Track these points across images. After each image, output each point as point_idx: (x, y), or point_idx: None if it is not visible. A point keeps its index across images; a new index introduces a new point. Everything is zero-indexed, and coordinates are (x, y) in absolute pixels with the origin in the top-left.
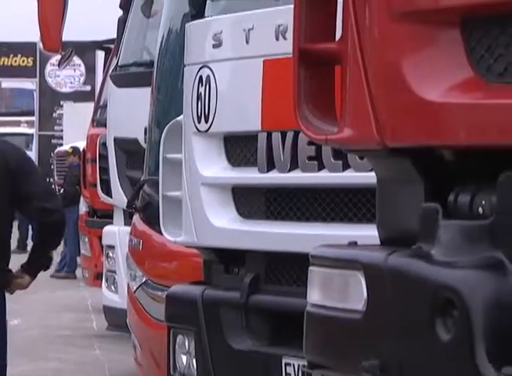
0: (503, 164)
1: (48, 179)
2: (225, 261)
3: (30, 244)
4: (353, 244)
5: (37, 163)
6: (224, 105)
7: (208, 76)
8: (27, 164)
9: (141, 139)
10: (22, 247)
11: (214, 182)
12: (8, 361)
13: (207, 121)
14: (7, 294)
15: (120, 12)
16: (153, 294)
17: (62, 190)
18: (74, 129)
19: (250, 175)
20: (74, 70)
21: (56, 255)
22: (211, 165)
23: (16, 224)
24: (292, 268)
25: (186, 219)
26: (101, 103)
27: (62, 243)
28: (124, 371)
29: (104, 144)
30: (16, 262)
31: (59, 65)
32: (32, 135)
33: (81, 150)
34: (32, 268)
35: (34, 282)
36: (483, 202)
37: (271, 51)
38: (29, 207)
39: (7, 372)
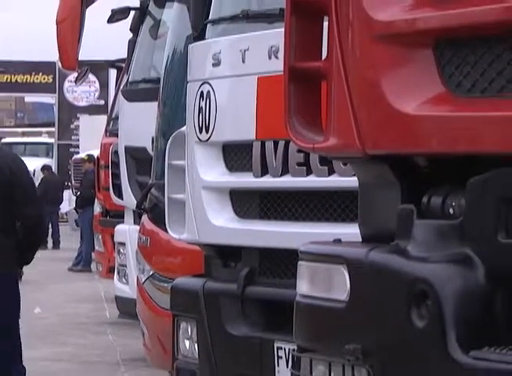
0: (471, 170)
1: (66, 183)
2: (223, 256)
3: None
4: (337, 241)
5: (56, 169)
6: (222, 117)
7: (208, 91)
8: (21, 174)
9: (149, 147)
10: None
11: (214, 186)
12: (29, 345)
13: (207, 132)
14: (30, 286)
15: (130, 35)
16: (159, 286)
17: (78, 193)
18: (89, 139)
19: (246, 180)
20: (90, 86)
21: (74, 251)
22: (211, 171)
23: None
24: (283, 262)
25: (189, 219)
26: (113, 115)
27: (79, 240)
28: (133, 354)
29: (116, 152)
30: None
31: (75, 82)
32: (52, 144)
33: (96, 157)
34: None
35: (53, 275)
36: (453, 204)
37: (264, 69)
38: (15, 210)
39: (29, 355)
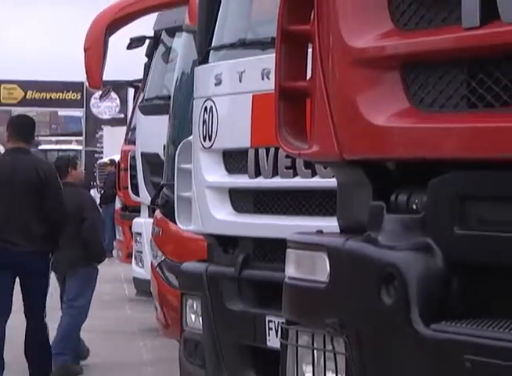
0: (431, 173)
1: (92, 183)
2: (223, 244)
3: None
4: (319, 232)
5: (84, 171)
6: (223, 128)
7: (211, 106)
8: (52, 179)
9: (161, 153)
10: None
11: (216, 186)
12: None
13: (210, 140)
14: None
15: (145, 59)
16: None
17: (102, 191)
18: (111, 146)
19: (242, 180)
20: (112, 102)
21: None
22: (213, 173)
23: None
24: (274, 249)
25: (195, 213)
26: (131, 126)
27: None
28: (148, 326)
29: (133, 157)
30: None
31: (100, 98)
32: (80, 150)
33: (117, 161)
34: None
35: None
36: (416, 201)
37: (258, 88)
38: (45, 205)
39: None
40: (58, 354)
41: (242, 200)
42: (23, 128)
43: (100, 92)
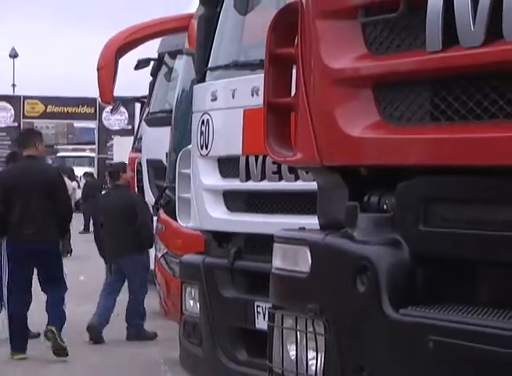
0: (400, 177)
1: (103, 185)
2: (218, 239)
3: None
4: (302, 229)
5: (96, 175)
6: (218, 138)
7: (208, 119)
8: (61, 182)
9: (164, 160)
10: (87, 229)
11: (211, 188)
12: (75, 302)
13: (207, 149)
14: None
15: (150, 78)
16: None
17: None
18: (121, 153)
19: (234, 184)
20: (121, 115)
21: None
22: (209, 177)
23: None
24: (262, 244)
25: (193, 212)
26: (138, 136)
27: None
28: (153, 309)
29: (140, 163)
30: (82, 238)
31: (111, 112)
32: (93, 157)
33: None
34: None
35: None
36: (386, 202)
37: (249, 103)
38: (56, 201)
39: (74, 309)
40: (132, 325)
41: (234, 200)
42: (31, 139)
43: (111, 107)
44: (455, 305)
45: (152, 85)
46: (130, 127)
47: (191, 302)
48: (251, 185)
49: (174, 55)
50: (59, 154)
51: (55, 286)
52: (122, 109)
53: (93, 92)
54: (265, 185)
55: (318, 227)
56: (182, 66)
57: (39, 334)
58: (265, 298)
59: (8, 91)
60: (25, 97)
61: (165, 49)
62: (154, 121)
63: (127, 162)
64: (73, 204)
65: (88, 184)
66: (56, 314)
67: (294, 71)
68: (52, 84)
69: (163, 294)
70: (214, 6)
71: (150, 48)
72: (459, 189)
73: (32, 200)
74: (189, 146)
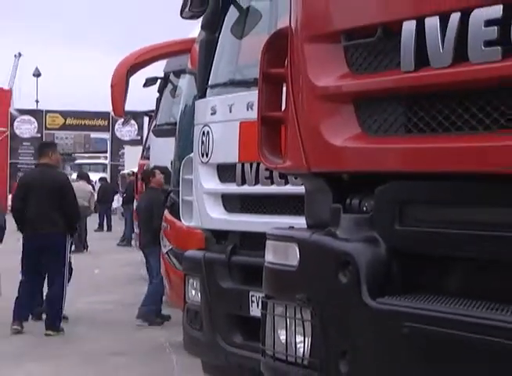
0: (378, 182)
1: (115, 190)
2: (217, 236)
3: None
4: (291, 228)
5: (109, 180)
6: (217, 148)
7: (208, 131)
8: (68, 186)
9: (169, 166)
10: (101, 228)
11: (211, 192)
12: (90, 293)
13: (207, 157)
14: (93, 255)
15: (157, 94)
16: (175, 255)
17: (124, 195)
18: (131, 161)
19: (231, 188)
20: (131, 127)
21: (121, 233)
22: (209, 182)
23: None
24: (256, 241)
25: (195, 212)
26: (146, 146)
27: (123, 226)
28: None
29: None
30: (97, 236)
31: (122, 124)
32: (107, 164)
33: (135, 172)
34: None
35: (108, 248)
36: (366, 204)
37: (244, 117)
38: (63, 202)
39: (89, 299)
40: (143, 305)
41: (231, 202)
42: (47, 150)
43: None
44: (426, 295)
45: (158, 101)
46: (139, 137)
47: (193, 292)
48: (246, 189)
49: (178, 74)
50: (76, 161)
51: (56, 280)
52: (132, 121)
53: (107, 106)
54: (259, 189)
55: (305, 226)
56: (186, 83)
57: (67, 318)
58: (259, 288)
59: (32, 106)
60: (47, 111)
61: (170, 69)
62: (161, 132)
63: (136, 168)
64: (93, 206)
65: (102, 187)
66: (50, 309)
67: (284, 89)
68: (70, 99)
69: (168, 284)
70: (214, 31)
71: (157, 68)
72: (429, 192)
73: (43, 199)
74: (192, 155)
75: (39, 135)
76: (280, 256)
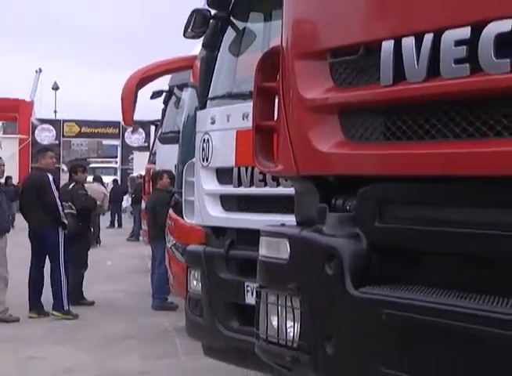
0: (360, 184)
1: (125, 191)
2: (216, 233)
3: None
4: (283, 225)
5: (120, 182)
6: (216, 153)
7: (208, 138)
8: (47, 186)
9: (173, 170)
10: (112, 225)
11: (211, 193)
12: (102, 283)
13: (207, 161)
14: (106, 248)
15: (162, 105)
16: (178, 249)
17: (133, 196)
18: (139, 165)
19: (229, 189)
20: (139, 135)
21: (130, 229)
22: (209, 184)
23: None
24: (251, 237)
25: (196, 211)
26: (153, 151)
27: (132, 223)
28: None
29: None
30: (109, 232)
31: (131, 132)
32: (117, 168)
33: (143, 175)
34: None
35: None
36: (349, 203)
37: (240, 126)
38: (44, 201)
39: (102, 288)
40: (155, 298)
41: (229, 202)
42: (39, 155)
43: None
44: (402, 285)
45: (164, 111)
46: (146, 144)
47: (194, 283)
48: (242, 190)
49: (181, 87)
50: (90, 165)
51: (53, 268)
52: (140, 130)
53: (117, 116)
54: (253, 190)
55: (295, 223)
56: (188, 96)
57: (93, 302)
58: (253, 279)
59: (51, 116)
60: (64, 120)
61: (174, 83)
62: (166, 139)
63: (144, 172)
64: (106, 205)
65: (113, 189)
66: (55, 293)
67: (276, 101)
68: (85, 110)
69: (172, 275)
70: (213, 50)
71: (163, 82)
72: (405, 193)
73: (31, 199)
74: (193, 159)
75: (57, 141)
76: (273, 250)
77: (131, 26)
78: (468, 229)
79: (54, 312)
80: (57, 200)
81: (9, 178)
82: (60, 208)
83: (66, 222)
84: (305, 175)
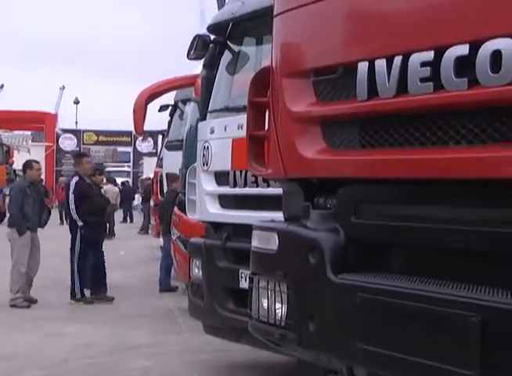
0: (339, 185)
1: (134, 191)
2: (214, 227)
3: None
4: (272, 221)
5: (131, 183)
6: (215, 159)
7: (208, 146)
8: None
9: (177, 173)
10: (125, 220)
11: (210, 193)
12: (115, 270)
13: (207, 166)
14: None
15: (168, 117)
16: (182, 241)
17: (143, 195)
18: (148, 169)
19: (226, 189)
20: (148, 143)
21: (140, 224)
22: (209, 185)
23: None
24: (245, 230)
25: (197, 208)
26: (160, 157)
27: (142, 218)
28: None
29: (161, 175)
30: (122, 226)
31: (142, 141)
32: (130, 171)
33: (151, 178)
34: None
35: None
36: (330, 202)
37: (236, 135)
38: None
39: (115, 275)
40: (165, 284)
41: (226, 201)
42: (74, 161)
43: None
44: (375, 273)
45: (170, 123)
46: (154, 151)
47: (196, 270)
48: (237, 190)
49: (185, 102)
50: (106, 170)
51: (70, 260)
52: (149, 138)
53: (130, 127)
54: (247, 190)
55: (283, 219)
56: (191, 109)
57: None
58: (247, 267)
59: (72, 126)
60: (84, 130)
61: (179, 98)
62: (171, 146)
63: (152, 175)
64: (118, 203)
65: (124, 189)
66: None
67: (267, 113)
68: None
69: (177, 264)
70: (212, 69)
71: (169, 97)
72: (377, 193)
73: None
74: (195, 164)
75: (78, 149)
76: (263, 242)
77: (138, 48)
78: (428, 224)
79: (70, 301)
80: (70, 203)
81: (41, 180)
82: (74, 211)
83: (80, 223)
84: (292, 177)
